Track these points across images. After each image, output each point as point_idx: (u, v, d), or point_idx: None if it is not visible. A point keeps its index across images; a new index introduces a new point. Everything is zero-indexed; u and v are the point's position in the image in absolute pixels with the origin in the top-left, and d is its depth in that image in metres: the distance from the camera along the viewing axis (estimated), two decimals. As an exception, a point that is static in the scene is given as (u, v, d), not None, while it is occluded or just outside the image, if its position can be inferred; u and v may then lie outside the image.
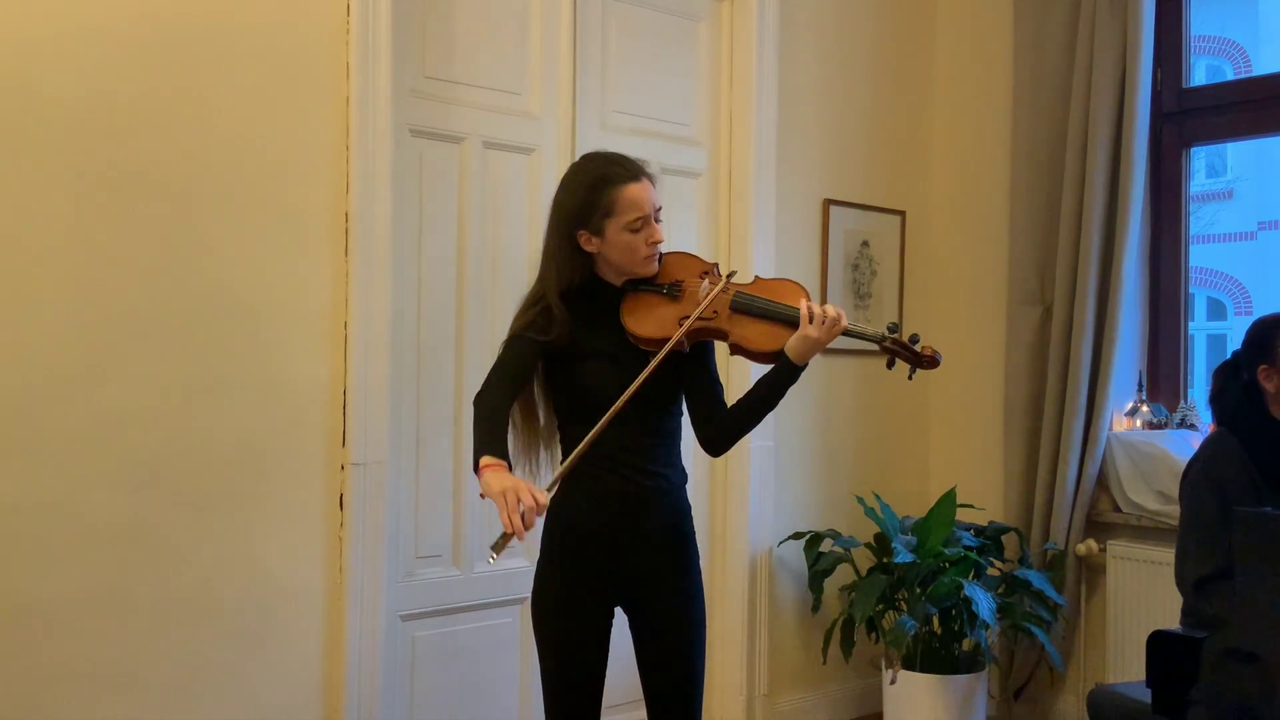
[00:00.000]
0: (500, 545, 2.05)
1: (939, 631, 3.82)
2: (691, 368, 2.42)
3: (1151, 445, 3.83)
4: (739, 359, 3.65)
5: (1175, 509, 3.29)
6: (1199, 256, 8.59)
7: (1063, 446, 3.98)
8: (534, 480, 2.47)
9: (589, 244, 2.36)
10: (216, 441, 2.83)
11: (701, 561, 2.51)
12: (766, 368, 2.39)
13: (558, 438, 2.46)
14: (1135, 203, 3.88)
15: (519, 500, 2.04)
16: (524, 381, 2.34)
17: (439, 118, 3.31)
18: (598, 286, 2.41)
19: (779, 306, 2.36)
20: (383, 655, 3.09)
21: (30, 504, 2.59)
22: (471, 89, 3.38)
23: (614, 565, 2.38)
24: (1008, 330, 4.23)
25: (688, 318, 2.32)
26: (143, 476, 2.73)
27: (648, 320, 2.35)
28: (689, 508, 2.48)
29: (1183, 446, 3.76)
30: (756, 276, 2.50)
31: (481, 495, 2.12)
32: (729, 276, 2.40)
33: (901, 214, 4.49)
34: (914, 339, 2.37)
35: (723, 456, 3.85)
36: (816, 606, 3.96)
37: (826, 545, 4.01)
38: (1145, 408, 3.98)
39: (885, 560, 3.87)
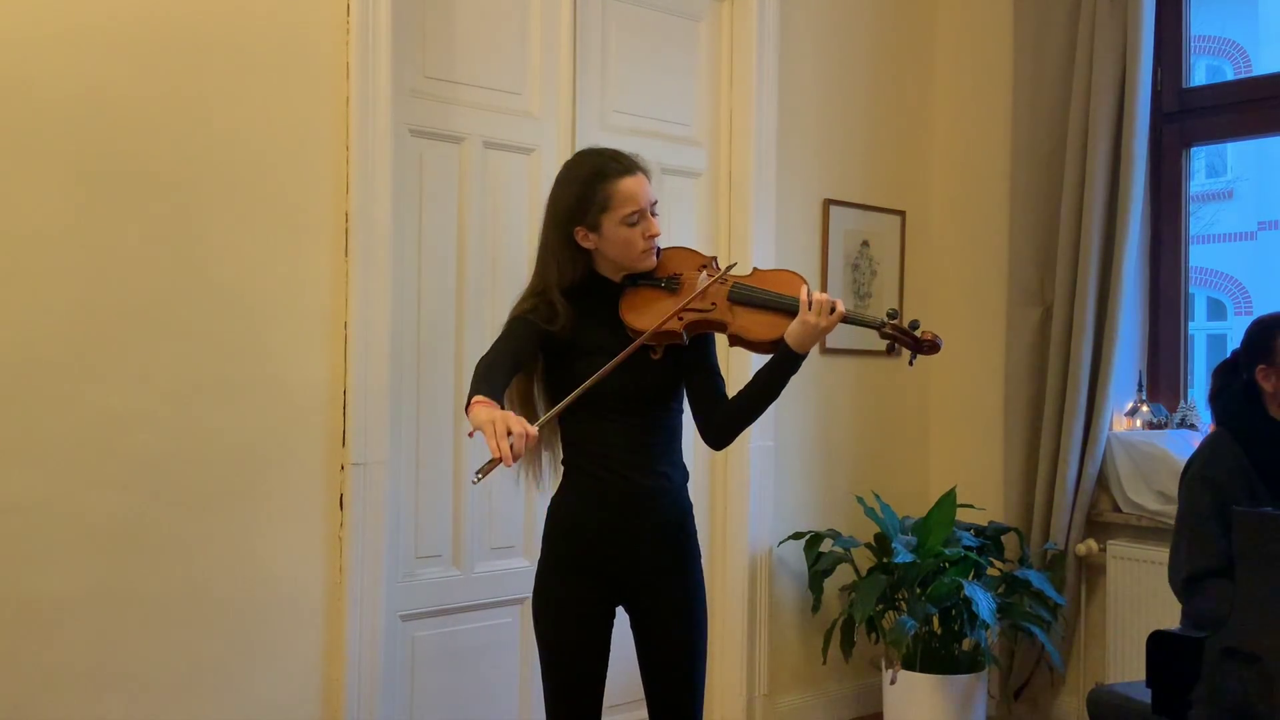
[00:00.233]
0: (486, 469, 2.03)
1: (939, 631, 3.82)
2: (692, 360, 2.41)
3: (1151, 445, 3.83)
4: (738, 353, 3.71)
5: (1174, 509, 3.29)
6: (1199, 256, 8.59)
7: (1063, 446, 3.99)
8: (535, 481, 2.48)
9: (586, 240, 2.36)
10: (216, 441, 2.83)
11: (702, 561, 2.51)
12: (766, 359, 2.39)
13: (558, 436, 2.46)
14: (1135, 203, 3.88)
15: (508, 429, 2.01)
16: (525, 357, 2.32)
17: (439, 118, 3.31)
18: (596, 283, 2.41)
19: (778, 296, 2.36)
20: (383, 655, 3.09)
21: (30, 504, 2.59)
22: (471, 89, 3.38)
23: (615, 564, 2.38)
24: (1008, 330, 4.23)
25: (687, 309, 2.32)
26: (143, 476, 2.73)
27: (647, 314, 2.35)
28: (690, 506, 2.48)
29: (1183, 446, 3.76)
30: (755, 268, 2.50)
31: (470, 434, 2.10)
32: (729, 268, 2.40)
33: (901, 214, 4.49)
34: (914, 324, 2.36)
35: (723, 456, 3.94)
36: (816, 606, 3.96)
37: (826, 545, 4.01)
38: (1145, 408, 3.98)
39: (885, 560, 3.87)
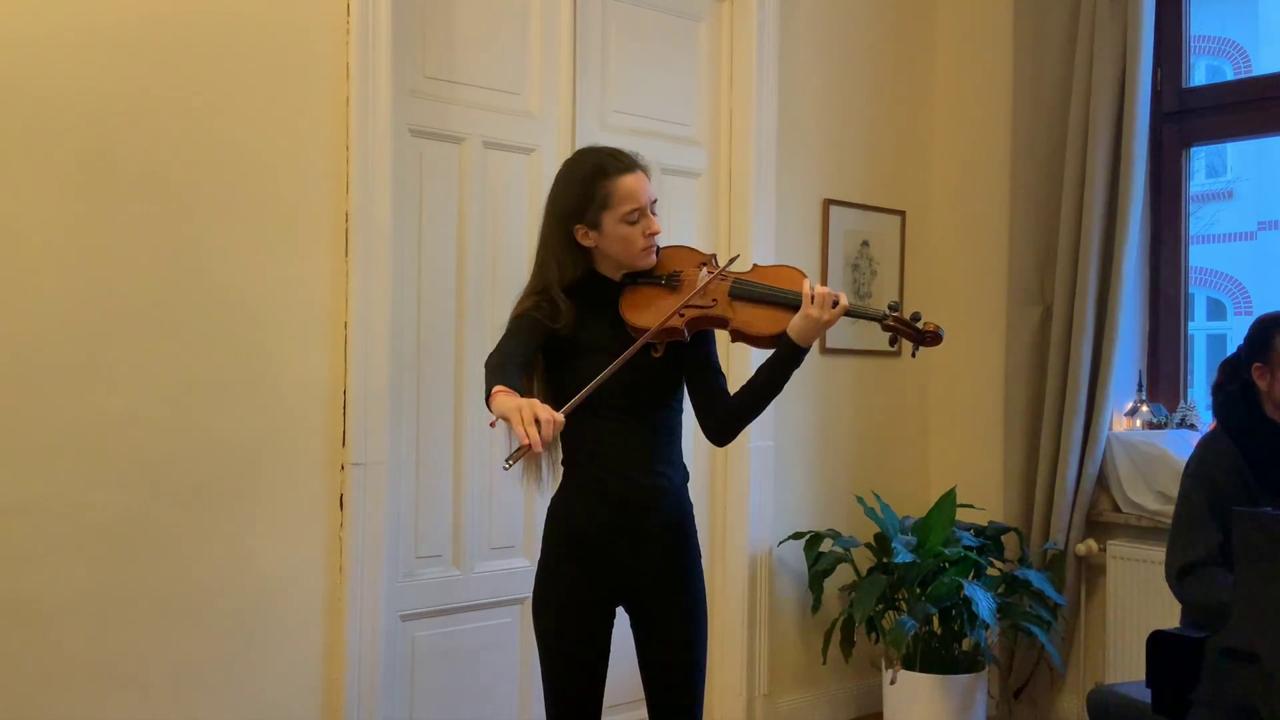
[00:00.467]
0: (516, 456, 2.02)
1: (939, 631, 3.82)
2: (693, 357, 2.41)
3: (1151, 445, 3.83)
4: (738, 350, 3.71)
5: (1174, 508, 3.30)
6: (1199, 256, 8.60)
7: (1063, 446, 3.98)
8: (535, 481, 2.48)
9: (586, 238, 2.36)
10: (216, 441, 2.83)
11: (702, 561, 2.51)
12: (767, 355, 2.39)
13: (558, 436, 2.45)
14: (1135, 203, 3.88)
15: (535, 416, 2.00)
16: (533, 354, 2.31)
17: (439, 118, 3.31)
18: (596, 282, 2.41)
19: (779, 290, 2.36)
20: (383, 655, 3.09)
21: (30, 504, 2.59)
22: (471, 89, 3.38)
23: (615, 565, 2.38)
24: (1008, 330, 4.23)
25: (689, 306, 2.32)
26: (142, 476, 2.73)
27: (648, 311, 2.35)
28: (690, 507, 2.47)
29: (1183, 446, 3.76)
30: (755, 265, 2.50)
31: (492, 424, 2.09)
32: (732, 260, 2.40)
33: (901, 214, 4.49)
34: (915, 316, 2.37)
35: (723, 456, 3.94)
36: (816, 606, 3.96)
37: (826, 545, 4.01)
38: (1145, 408, 3.98)
39: (885, 560, 3.87)
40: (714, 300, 2.35)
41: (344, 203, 3.02)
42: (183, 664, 2.79)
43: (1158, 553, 3.76)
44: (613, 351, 2.31)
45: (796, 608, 4.13)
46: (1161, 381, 4.10)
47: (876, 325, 2.40)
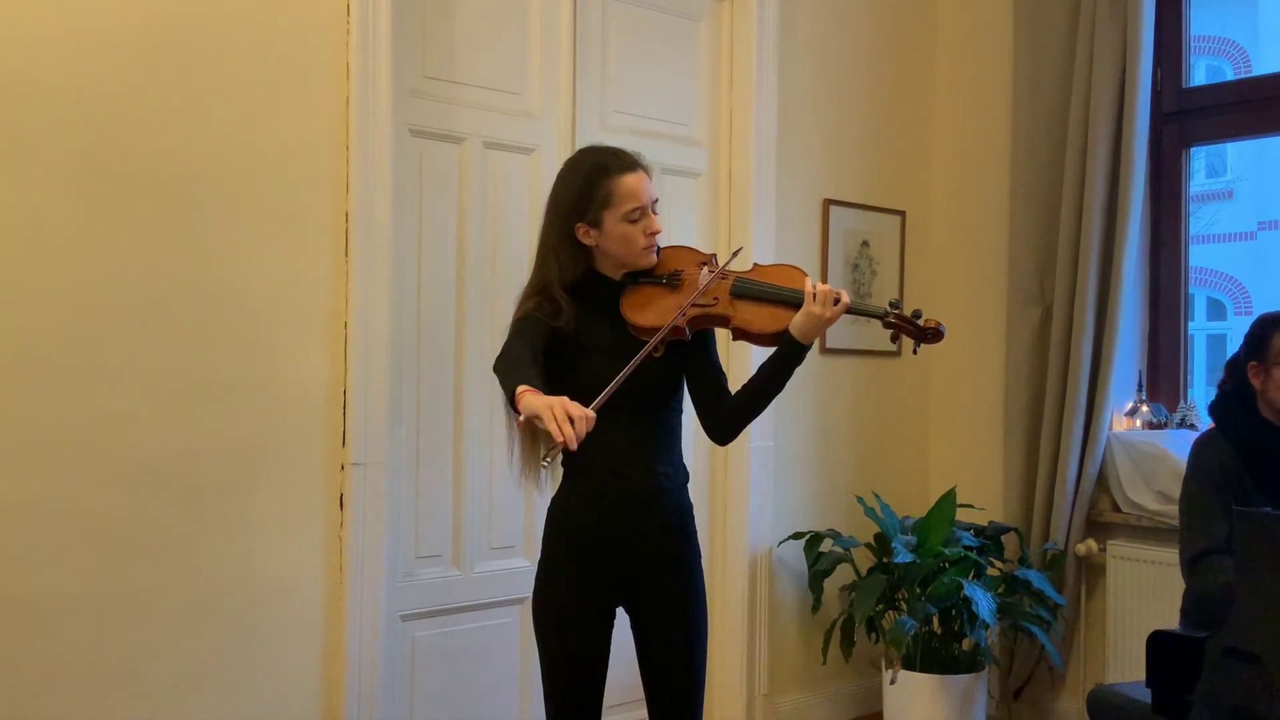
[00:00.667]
0: (553, 454, 2.03)
1: (939, 631, 3.82)
2: (694, 356, 2.42)
3: (1151, 445, 3.83)
4: (739, 349, 3.71)
5: (1175, 509, 3.29)
6: (1199, 256, 8.60)
7: (1063, 446, 3.98)
8: (535, 481, 2.48)
9: (587, 237, 2.36)
10: (216, 441, 2.83)
11: (702, 561, 2.51)
12: (768, 355, 2.39)
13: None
14: (1135, 203, 3.88)
15: (568, 414, 2.00)
16: (540, 351, 2.30)
17: (439, 118, 3.31)
18: (596, 281, 2.41)
19: (780, 289, 2.36)
20: (383, 655, 3.09)
21: (30, 504, 2.59)
22: (471, 89, 3.38)
23: (615, 565, 2.38)
24: (1008, 330, 4.23)
25: (685, 305, 2.32)
26: (143, 476, 2.73)
27: (649, 311, 2.35)
28: (690, 507, 2.47)
29: (1183, 446, 3.75)
30: (755, 264, 2.51)
31: (520, 423, 2.09)
32: (735, 254, 2.42)
33: (901, 214, 4.49)
34: (916, 314, 2.38)
35: (723, 456, 3.94)
36: (816, 606, 3.96)
37: (826, 545, 4.01)
38: (1145, 408, 3.98)
39: (885, 560, 3.87)
40: (715, 299, 2.36)
41: (344, 203, 3.02)
42: (183, 664, 2.79)
43: (1158, 553, 3.78)
44: (614, 351, 2.31)
45: (796, 608, 4.13)
46: (1161, 381, 4.10)
47: (878, 323, 2.41)
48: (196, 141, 2.80)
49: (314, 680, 3.00)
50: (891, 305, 2.39)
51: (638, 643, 2.44)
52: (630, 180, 2.34)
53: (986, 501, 4.26)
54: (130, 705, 2.72)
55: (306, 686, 2.99)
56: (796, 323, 2.31)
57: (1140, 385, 4.03)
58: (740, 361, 3.66)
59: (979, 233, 4.45)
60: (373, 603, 3.06)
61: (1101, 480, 4.00)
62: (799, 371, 2.39)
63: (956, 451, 4.51)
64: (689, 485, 2.49)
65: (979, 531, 3.96)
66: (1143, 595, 3.81)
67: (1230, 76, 9.23)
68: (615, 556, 2.37)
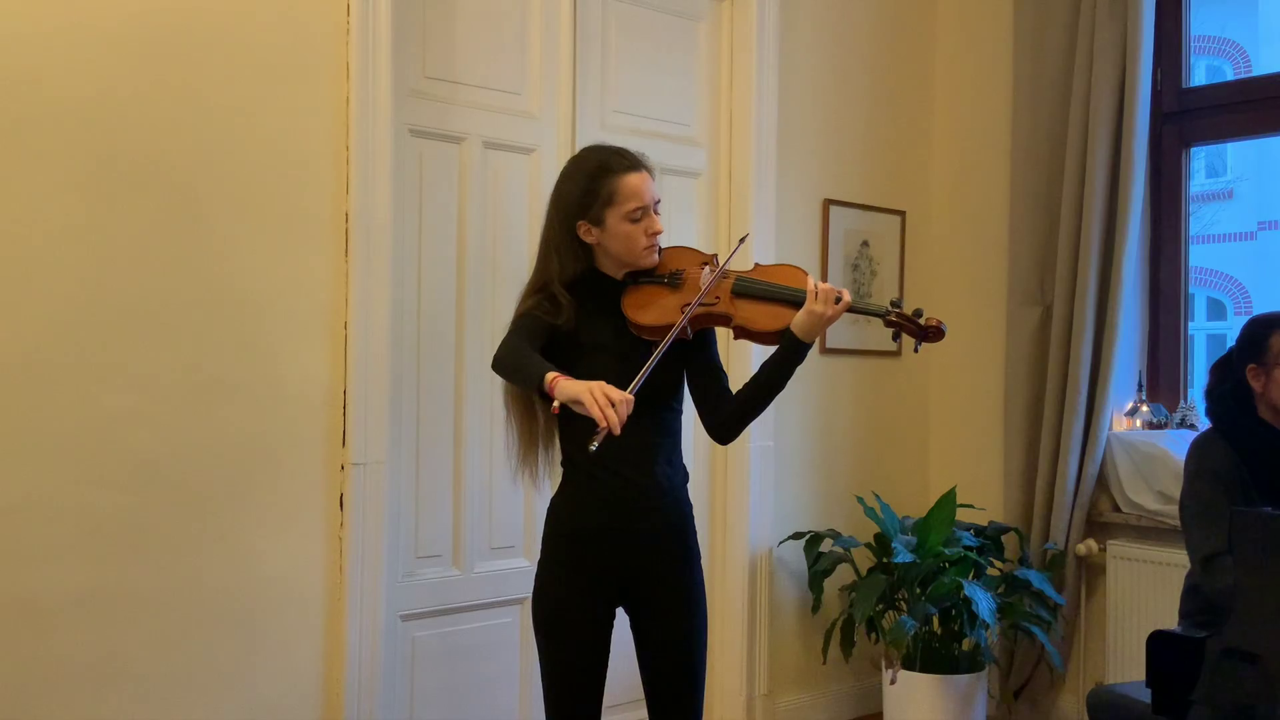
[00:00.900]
0: (599, 439, 2.05)
1: (939, 631, 3.82)
2: (695, 355, 2.42)
3: (1151, 445, 3.83)
4: (739, 348, 3.71)
5: (1175, 509, 3.29)
6: (1199, 256, 8.60)
7: (1063, 446, 3.99)
8: (533, 480, 2.48)
9: (588, 235, 2.37)
10: (216, 441, 2.83)
11: (702, 561, 2.51)
12: (769, 354, 2.39)
13: (556, 437, 2.46)
14: (1135, 203, 3.88)
15: (609, 398, 2.03)
16: (539, 347, 2.31)
17: (439, 118, 3.31)
18: (597, 279, 2.41)
19: (781, 288, 2.37)
20: (383, 655, 3.09)
21: (30, 504, 2.59)
22: (471, 89, 3.38)
23: (615, 565, 2.38)
24: (1008, 330, 4.23)
25: (690, 304, 2.32)
26: (143, 476, 2.73)
27: (650, 310, 2.36)
28: (690, 507, 2.48)
29: (1183, 446, 3.73)
30: (756, 264, 2.51)
31: (554, 410, 2.11)
32: (742, 240, 2.46)
33: (901, 214, 4.49)
34: (917, 313, 2.39)
35: (723, 456, 3.94)
36: (816, 606, 3.96)
37: (826, 545, 4.01)
38: (1145, 408, 3.98)
39: (885, 560, 3.87)
40: (716, 298, 2.36)
41: (344, 203, 3.02)
42: (183, 663, 2.79)
43: (1158, 553, 3.78)
44: (614, 350, 2.32)
45: (796, 608, 4.13)
46: (1161, 381, 4.10)
47: (878, 323, 2.42)
48: (196, 142, 2.80)
49: (314, 680, 3.00)
50: (893, 304, 2.40)
51: (637, 643, 2.44)
52: (633, 179, 2.34)
53: (986, 501, 4.26)
54: (130, 705, 2.72)
55: (306, 686, 2.99)
56: (798, 321, 2.32)
57: (1140, 385, 4.03)
58: (740, 361, 3.66)
59: (979, 233, 4.45)
60: (373, 603, 3.06)
61: (1101, 480, 4.00)
62: (799, 371, 2.39)
63: (956, 451, 4.51)
64: (688, 485, 2.49)
65: (979, 531, 3.96)
66: (1143, 595, 3.81)
67: (1230, 76, 9.23)
68: (615, 557, 2.37)
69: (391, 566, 3.17)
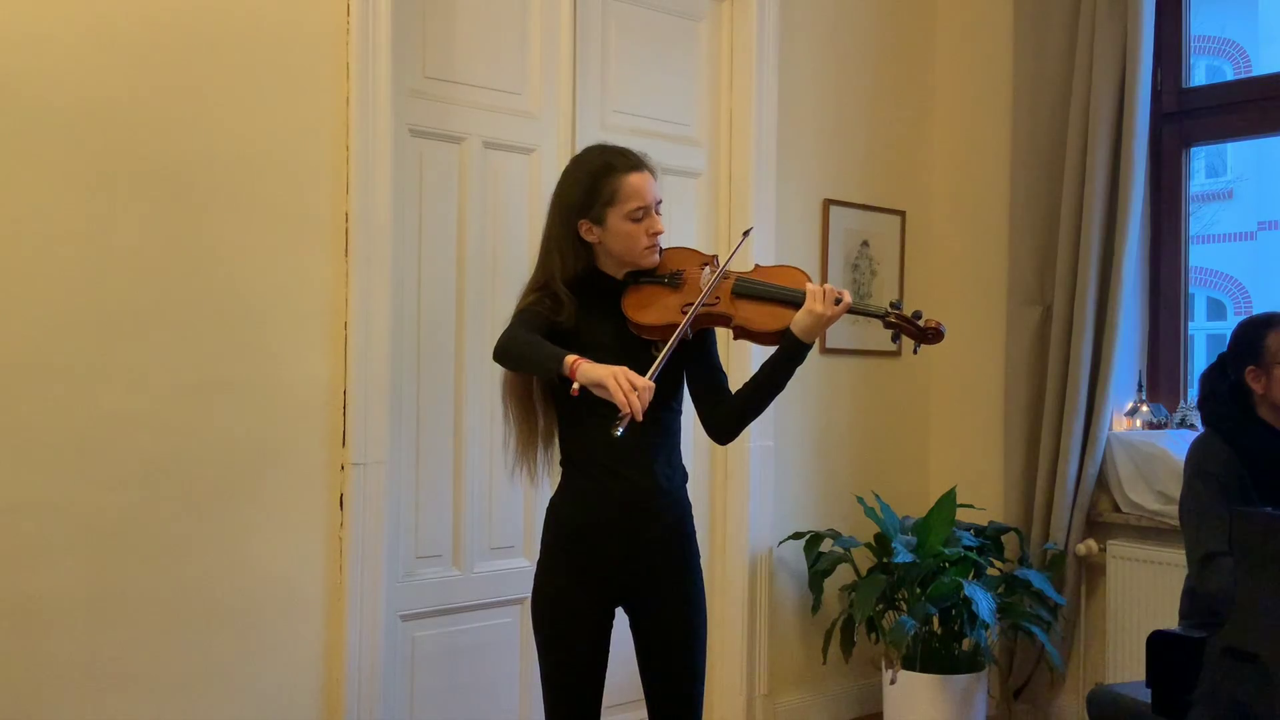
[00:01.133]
0: (623, 424, 2.07)
1: (939, 631, 3.82)
2: (695, 355, 2.43)
3: (1151, 445, 3.83)
4: (739, 349, 3.71)
5: (1175, 509, 3.29)
6: (1199, 256, 8.61)
7: (1063, 446, 3.98)
8: (531, 478, 2.49)
9: (590, 234, 2.37)
10: (217, 441, 2.83)
11: (701, 561, 2.51)
12: (769, 354, 2.40)
13: (555, 437, 2.46)
14: (1135, 203, 3.88)
15: (630, 381, 2.06)
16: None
17: (439, 118, 3.31)
18: (597, 278, 2.42)
19: (782, 288, 2.38)
20: (383, 655, 3.09)
21: (30, 504, 2.59)
22: (471, 89, 3.38)
23: (614, 565, 2.38)
24: (1008, 330, 4.23)
25: (691, 304, 2.33)
26: (143, 476, 2.73)
27: (650, 309, 2.37)
28: (689, 507, 2.48)
29: (1183, 447, 3.73)
30: (756, 265, 2.52)
31: (575, 391, 2.12)
32: (746, 233, 2.48)
33: (901, 214, 4.49)
34: (916, 314, 2.40)
35: (723, 456, 3.94)
36: (816, 606, 3.96)
37: (826, 545, 4.01)
38: (1145, 408, 3.98)
39: (885, 560, 3.87)
40: (717, 298, 2.37)
41: (344, 203, 3.02)
42: (182, 663, 2.79)
43: (1158, 553, 3.78)
44: (614, 349, 2.32)
45: (796, 608, 4.13)
46: (1161, 381, 4.10)
47: (878, 323, 2.42)
48: (196, 142, 2.80)
49: (314, 680, 3.00)
50: (892, 305, 2.41)
51: (637, 643, 2.44)
52: (635, 179, 2.35)
53: (986, 501, 4.26)
54: (130, 705, 2.72)
55: (307, 686, 2.99)
56: (798, 321, 2.32)
57: (1140, 385, 4.03)
58: (740, 361, 3.66)
59: (979, 233, 4.45)
60: (373, 602, 3.06)
61: (1101, 480, 4.00)
62: (799, 371, 2.40)
63: (956, 451, 4.51)
64: (687, 485, 2.49)
65: (979, 531, 3.96)
66: (1143, 595, 3.81)
67: (1230, 76, 9.23)
68: (614, 557, 2.37)
69: (391, 566, 3.17)
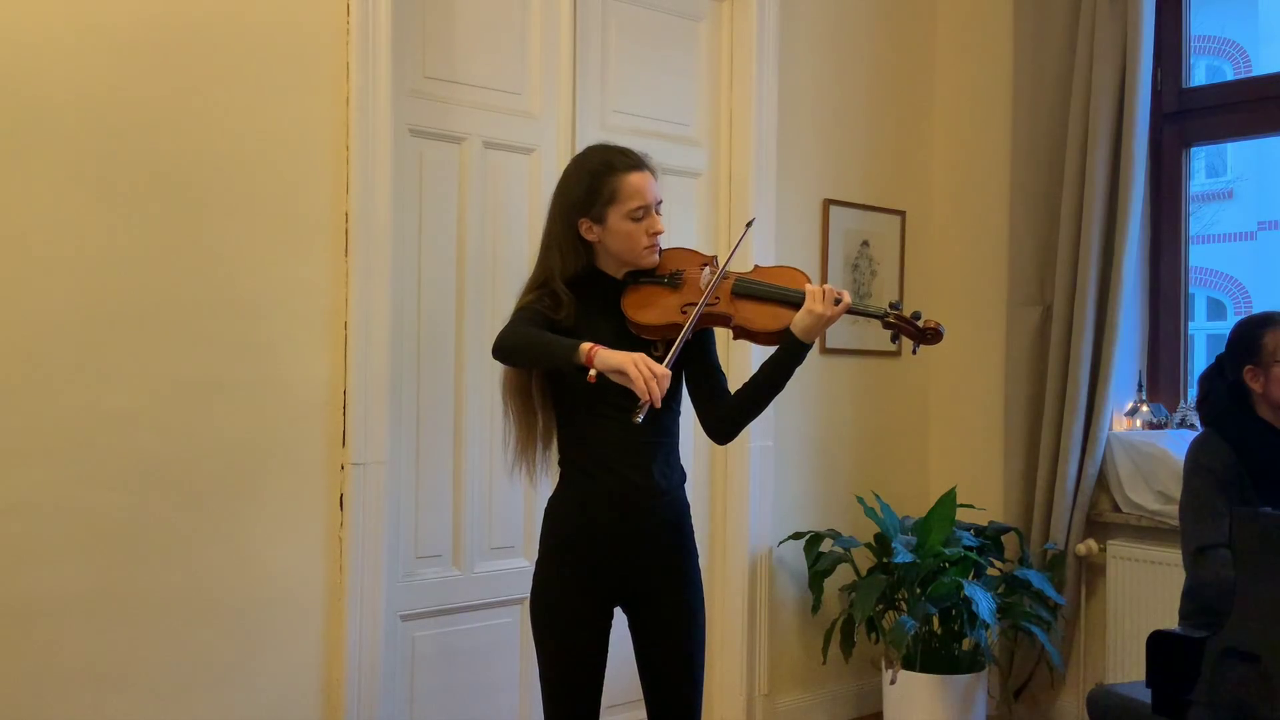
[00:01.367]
0: (642, 411, 2.11)
1: (939, 631, 3.82)
2: (694, 356, 2.43)
3: (1151, 445, 3.83)
4: (739, 350, 3.71)
5: (1175, 509, 3.29)
6: (1199, 256, 8.60)
7: (1063, 446, 3.98)
8: (530, 477, 2.49)
9: (590, 233, 2.37)
10: (216, 441, 2.83)
11: (701, 561, 2.52)
12: (768, 354, 2.40)
13: (555, 436, 2.46)
14: (1135, 203, 3.88)
15: (650, 369, 2.10)
16: None
17: (439, 118, 3.31)
18: (597, 278, 2.42)
19: (781, 288, 2.39)
20: (383, 655, 3.09)
21: (30, 504, 2.59)
22: (471, 89, 3.38)
23: (613, 565, 2.38)
24: (1008, 330, 4.23)
25: (691, 304, 2.33)
26: (142, 476, 2.73)
27: (650, 309, 2.37)
28: (688, 507, 2.48)
29: (1183, 447, 3.73)
30: (756, 266, 2.52)
31: (592, 378, 2.13)
32: (749, 225, 2.50)
33: (901, 214, 4.49)
34: (916, 315, 2.40)
35: (723, 456, 3.94)
36: (816, 606, 3.96)
37: (826, 545, 4.01)
38: (1145, 408, 3.98)
39: (885, 560, 3.87)
40: (717, 298, 2.37)
41: (344, 203, 3.02)
42: (182, 664, 2.79)
43: (1158, 553, 3.78)
44: (613, 348, 2.31)
45: (796, 608, 4.13)
46: (1161, 381, 4.10)
47: (877, 324, 2.43)
48: (196, 142, 2.80)
49: (314, 680, 3.00)
50: (891, 306, 2.41)
51: (636, 643, 2.44)
52: (635, 179, 2.35)
53: (986, 501, 4.26)
54: (130, 705, 2.72)
55: (307, 686, 2.99)
56: (798, 321, 2.33)
57: (1140, 385, 4.03)
58: (740, 361, 3.66)
59: (979, 233, 4.45)
60: (373, 603, 3.06)
61: (1101, 480, 4.00)
62: (799, 371, 2.40)
63: (956, 451, 4.51)
64: (686, 485, 2.49)
65: (979, 531, 3.96)
66: (1143, 595, 3.81)
67: (1230, 76, 9.23)
68: (612, 557, 2.37)
69: (391, 567, 3.17)
